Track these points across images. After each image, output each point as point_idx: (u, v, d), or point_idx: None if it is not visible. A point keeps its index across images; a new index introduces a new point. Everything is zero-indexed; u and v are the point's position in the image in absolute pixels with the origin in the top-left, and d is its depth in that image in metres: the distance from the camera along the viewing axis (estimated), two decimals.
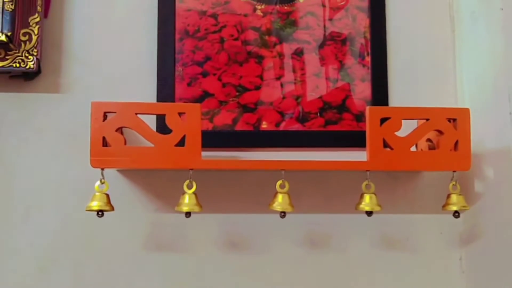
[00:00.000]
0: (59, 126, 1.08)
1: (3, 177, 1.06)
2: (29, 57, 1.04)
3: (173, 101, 1.08)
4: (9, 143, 1.06)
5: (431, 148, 1.02)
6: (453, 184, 0.98)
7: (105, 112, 0.92)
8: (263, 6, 1.13)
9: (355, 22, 1.14)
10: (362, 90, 1.13)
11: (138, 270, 1.06)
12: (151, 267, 1.07)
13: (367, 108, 0.96)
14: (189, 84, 1.10)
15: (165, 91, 1.09)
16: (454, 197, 0.97)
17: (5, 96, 1.07)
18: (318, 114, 1.12)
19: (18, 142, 1.07)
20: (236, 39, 1.12)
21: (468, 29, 1.11)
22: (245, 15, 1.13)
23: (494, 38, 1.02)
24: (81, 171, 1.01)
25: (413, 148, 0.99)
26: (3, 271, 1.04)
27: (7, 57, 1.03)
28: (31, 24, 1.05)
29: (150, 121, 1.00)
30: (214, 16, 1.12)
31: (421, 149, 1.04)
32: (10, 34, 1.02)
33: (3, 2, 1.02)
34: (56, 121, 1.08)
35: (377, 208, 0.96)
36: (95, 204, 0.91)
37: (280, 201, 0.94)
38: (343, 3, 1.15)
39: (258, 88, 1.11)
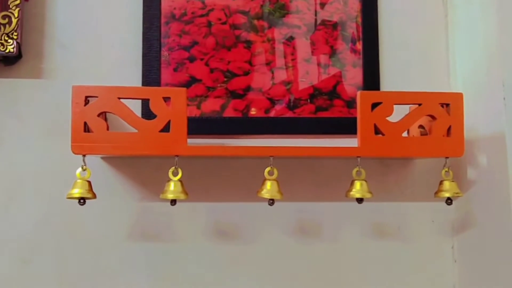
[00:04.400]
0: (41, 113, 1.04)
1: None
2: (9, 40, 1.00)
3: (159, 86, 1.05)
4: None
5: (423, 134, 1.00)
6: (445, 171, 0.96)
7: (86, 97, 0.89)
8: None
9: (346, 7, 1.12)
10: (353, 76, 1.10)
11: (123, 261, 1.04)
12: (136, 257, 1.04)
13: (358, 92, 0.94)
14: (175, 69, 1.07)
15: (150, 77, 1.05)
16: (446, 184, 0.96)
17: None
18: (309, 101, 1.09)
19: None
20: (224, 23, 1.09)
21: (462, 14, 1.09)
22: None
23: (488, 22, 1.00)
24: (63, 158, 0.98)
25: (404, 135, 0.97)
26: None
27: None
28: (11, 6, 1.01)
29: (136, 107, 0.97)
30: None
31: (413, 136, 1.02)
32: None
33: None
34: (38, 108, 1.04)
35: (368, 195, 0.94)
36: (77, 192, 0.88)
37: (269, 188, 0.92)
38: None
39: (247, 73, 1.09)
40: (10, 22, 1.01)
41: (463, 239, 1.07)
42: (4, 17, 1.01)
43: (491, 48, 0.99)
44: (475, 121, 1.01)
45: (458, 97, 0.95)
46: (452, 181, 0.96)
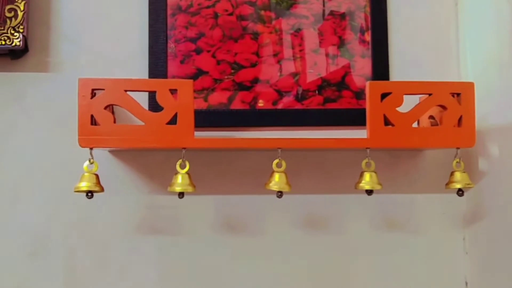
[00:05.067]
0: (48, 106, 1.04)
1: None
2: (15, 34, 1.00)
3: (166, 79, 1.04)
4: None
5: (434, 125, 0.99)
6: (457, 162, 0.95)
7: (93, 90, 0.88)
8: None
9: None
10: (362, 66, 1.09)
11: (131, 254, 1.04)
12: (145, 251, 1.04)
13: (367, 83, 0.93)
14: (182, 62, 1.06)
15: (157, 69, 1.05)
16: (458, 175, 0.94)
17: None
18: (317, 92, 1.08)
19: (5, 123, 1.03)
20: (230, 14, 1.08)
21: (472, 2, 1.07)
22: None
23: (500, 10, 0.98)
24: (71, 152, 0.97)
25: (414, 125, 0.95)
26: None
27: None
28: (16, 0, 1.01)
29: (143, 99, 0.97)
30: None
31: (423, 126, 1.01)
32: None
33: None
34: (45, 101, 1.04)
35: (377, 187, 0.93)
36: (84, 185, 0.88)
37: (277, 180, 0.91)
38: None
39: (254, 65, 1.08)
40: (16, 16, 1.00)
41: (474, 230, 1.06)
42: (10, 10, 1.00)
43: (502, 36, 0.97)
44: (486, 111, 0.99)
45: (469, 86, 0.93)
46: (464, 172, 0.95)
